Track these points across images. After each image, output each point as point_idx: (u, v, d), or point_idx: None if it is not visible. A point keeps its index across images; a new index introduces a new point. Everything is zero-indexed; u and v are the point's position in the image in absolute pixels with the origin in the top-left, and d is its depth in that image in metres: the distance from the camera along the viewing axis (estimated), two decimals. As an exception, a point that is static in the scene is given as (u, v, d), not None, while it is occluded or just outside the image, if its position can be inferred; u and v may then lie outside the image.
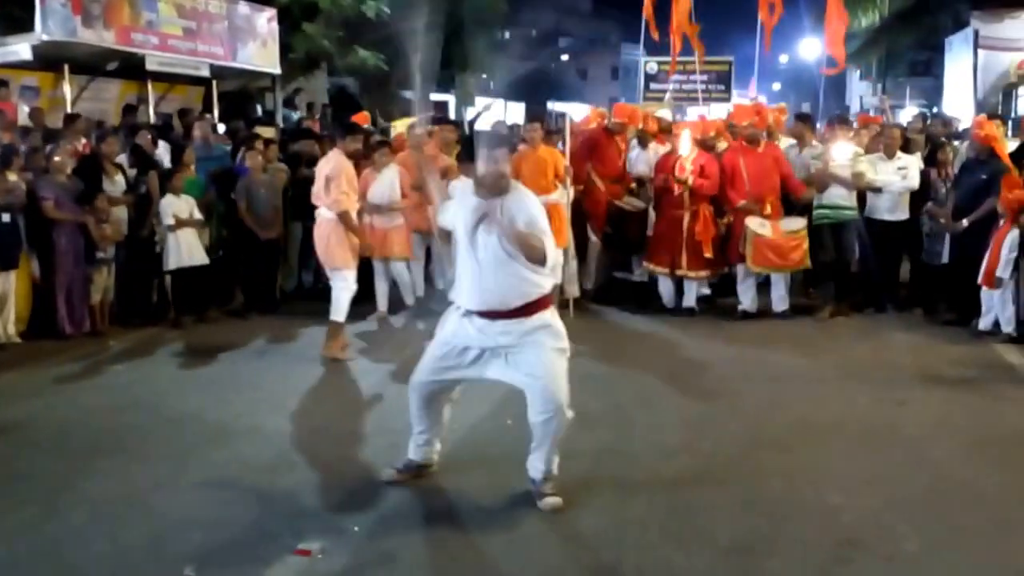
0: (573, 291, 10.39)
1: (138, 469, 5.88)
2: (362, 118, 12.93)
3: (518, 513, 5.18)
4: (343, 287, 8.50)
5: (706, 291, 10.91)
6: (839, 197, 9.98)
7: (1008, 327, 9.03)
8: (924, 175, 10.22)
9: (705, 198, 10.14)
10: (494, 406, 7.09)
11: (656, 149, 11.20)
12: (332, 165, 8.46)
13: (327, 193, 8.40)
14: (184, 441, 6.40)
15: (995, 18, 26.37)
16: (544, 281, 5.16)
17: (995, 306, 9.13)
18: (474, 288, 5.13)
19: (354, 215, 8.57)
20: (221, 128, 13.90)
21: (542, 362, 5.12)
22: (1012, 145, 10.75)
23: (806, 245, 9.92)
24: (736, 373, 8.04)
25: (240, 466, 5.95)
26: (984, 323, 9.29)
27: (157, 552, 4.78)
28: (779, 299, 10.21)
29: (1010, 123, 14.00)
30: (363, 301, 9.46)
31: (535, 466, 5.32)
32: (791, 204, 10.24)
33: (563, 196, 10.08)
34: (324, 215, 8.50)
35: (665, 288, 10.56)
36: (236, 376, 8.07)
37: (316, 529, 5.00)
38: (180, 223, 9.57)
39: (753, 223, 9.86)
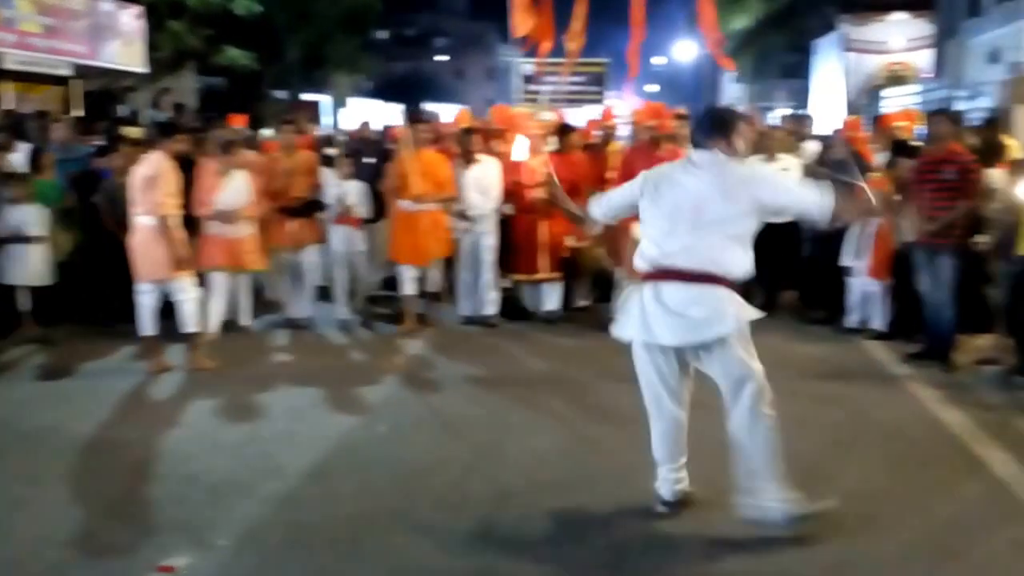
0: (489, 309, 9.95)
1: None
2: (239, 120, 12.55)
3: (390, 521, 5.09)
4: (184, 297, 8.05)
5: (585, 302, 10.60)
6: None
7: (878, 323, 9.23)
8: None
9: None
10: (367, 412, 7.06)
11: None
12: (153, 166, 7.83)
13: (146, 196, 7.81)
14: (42, 457, 6.10)
15: (862, 21, 27.14)
16: None
17: (869, 302, 9.29)
18: None
19: (176, 220, 7.97)
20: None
21: None
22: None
23: None
24: (607, 375, 7.86)
25: (102, 481, 5.72)
26: (851, 320, 9.49)
27: (13, 574, 4.58)
28: None
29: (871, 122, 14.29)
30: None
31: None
32: None
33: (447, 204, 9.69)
34: (143, 222, 7.90)
35: (529, 296, 10.23)
36: (97, 388, 7.68)
37: (181, 544, 4.81)
38: (5, 239, 8.87)
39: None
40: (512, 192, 9.86)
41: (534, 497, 5.41)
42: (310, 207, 9.71)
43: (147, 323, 8.10)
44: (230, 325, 9.36)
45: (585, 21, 14.87)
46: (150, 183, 7.78)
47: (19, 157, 10.16)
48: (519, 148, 9.94)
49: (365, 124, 14.69)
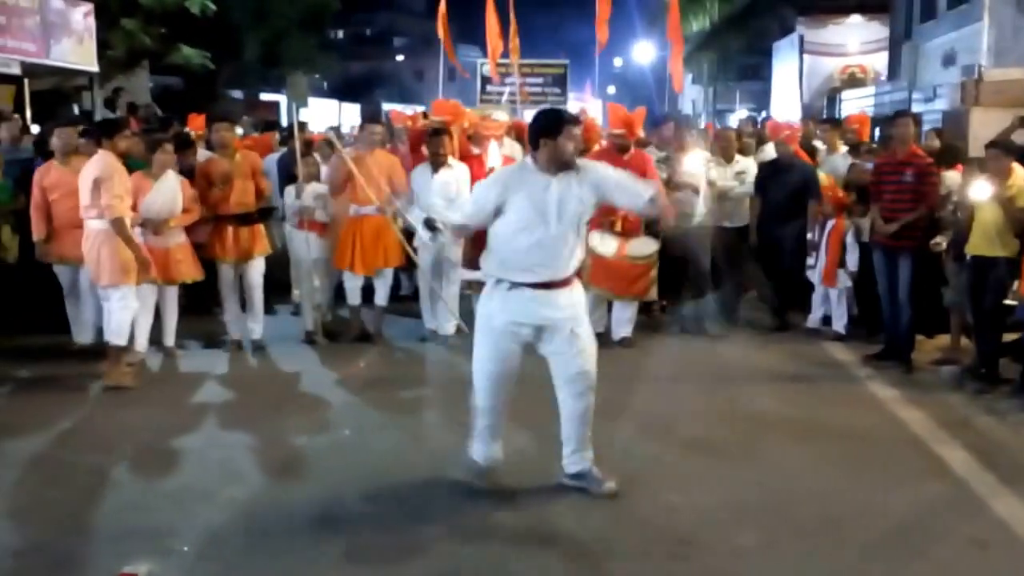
0: (448, 328, 9.16)
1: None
2: (198, 120, 12.09)
3: (354, 525, 5.06)
4: (121, 306, 7.54)
5: None
6: (686, 204, 9.22)
7: (839, 324, 9.23)
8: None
9: None
10: (330, 417, 6.96)
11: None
12: (101, 166, 7.42)
13: (95, 199, 7.40)
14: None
15: (819, 24, 27.34)
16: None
17: (830, 304, 9.30)
18: (543, 260, 5.22)
19: (129, 223, 7.57)
20: (35, 129, 13.16)
21: (588, 336, 5.44)
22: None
23: (653, 274, 8.98)
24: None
25: (60, 489, 5.58)
26: (812, 320, 9.51)
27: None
28: (622, 322, 9.04)
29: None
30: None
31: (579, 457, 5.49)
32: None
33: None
34: (94, 226, 7.52)
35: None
36: (48, 396, 7.49)
37: (142, 551, 4.73)
38: None
39: (595, 238, 8.67)
40: None
41: (501, 498, 5.39)
42: (254, 216, 8.91)
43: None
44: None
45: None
46: (97, 184, 7.40)
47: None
48: (494, 153, 9.47)
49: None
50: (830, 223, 9.13)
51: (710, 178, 9.48)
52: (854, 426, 6.76)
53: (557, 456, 5.52)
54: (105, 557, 4.68)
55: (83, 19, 15.86)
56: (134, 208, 7.96)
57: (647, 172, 8.90)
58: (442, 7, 16.75)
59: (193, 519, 5.11)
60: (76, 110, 17.76)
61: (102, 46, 16.98)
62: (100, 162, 7.47)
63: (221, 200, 8.69)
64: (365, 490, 5.52)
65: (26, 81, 15.41)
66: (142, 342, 8.21)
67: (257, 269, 8.95)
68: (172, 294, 8.50)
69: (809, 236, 9.34)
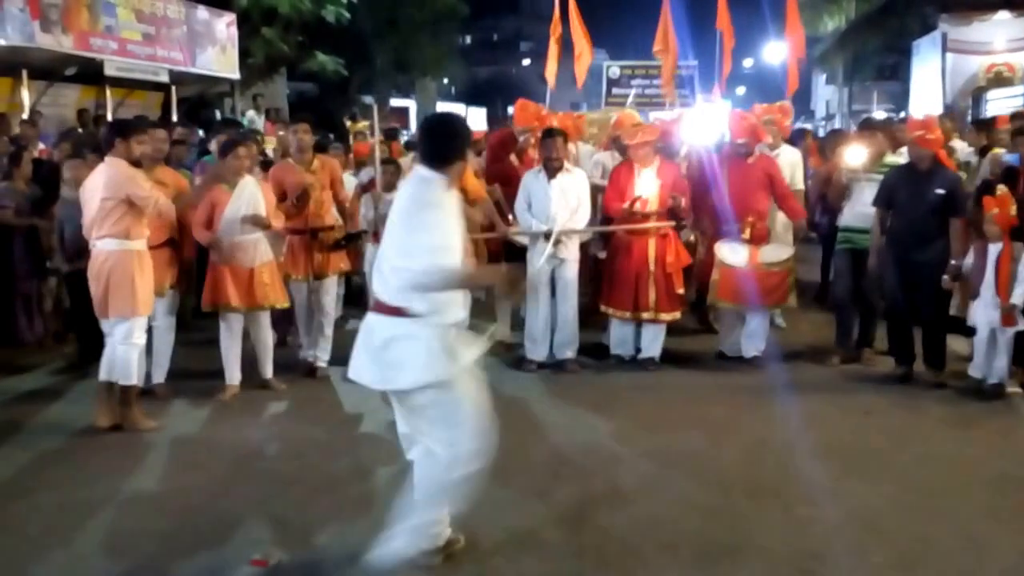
0: (567, 353, 8.30)
1: (88, 481, 5.72)
2: (362, 148, 11.25)
3: (477, 516, 4.86)
4: (126, 342, 6.48)
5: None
6: (870, 219, 8.05)
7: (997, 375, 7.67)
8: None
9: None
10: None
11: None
12: (106, 178, 6.37)
13: (103, 217, 6.36)
14: (139, 454, 6.18)
15: (963, 21, 26.40)
16: None
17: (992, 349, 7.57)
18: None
19: (172, 212, 6.66)
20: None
21: None
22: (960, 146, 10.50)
23: (791, 279, 8.35)
24: (696, 386, 7.82)
25: (197, 477, 5.78)
26: (975, 368, 7.69)
27: (111, 562, 4.67)
28: (756, 336, 8.41)
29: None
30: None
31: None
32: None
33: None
34: (102, 247, 6.42)
35: (620, 335, 8.42)
36: (189, 389, 7.58)
37: (273, 539, 4.88)
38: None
39: (724, 249, 8.21)
40: (615, 211, 8.28)
41: (621, 506, 5.34)
42: (330, 232, 8.02)
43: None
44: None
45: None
46: (106, 201, 6.39)
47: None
48: (648, 178, 8.23)
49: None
50: (993, 248, 7.44)
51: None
52: (996, 445, 6.45)
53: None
54: (240, 543, 4.83)
55: (226, 29, 16.45)
56: (210, 227, 7.21)
57: (773, 174, 8.65)
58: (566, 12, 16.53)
59: (323, 509, 5.24)
60: (218, 115, 18.38)
61: (243, 54, 17.56)
62: (106, 173, 6.46)
63: (294, 212, 7.78)
64: (484, 488, 5.24)
65: (173, 88, 16.00)
66: (237, 374, 7.54)
67: (330, 290, 8.08)
68: (263, 321, 7.56)
69: (953, 263, 7.57)
